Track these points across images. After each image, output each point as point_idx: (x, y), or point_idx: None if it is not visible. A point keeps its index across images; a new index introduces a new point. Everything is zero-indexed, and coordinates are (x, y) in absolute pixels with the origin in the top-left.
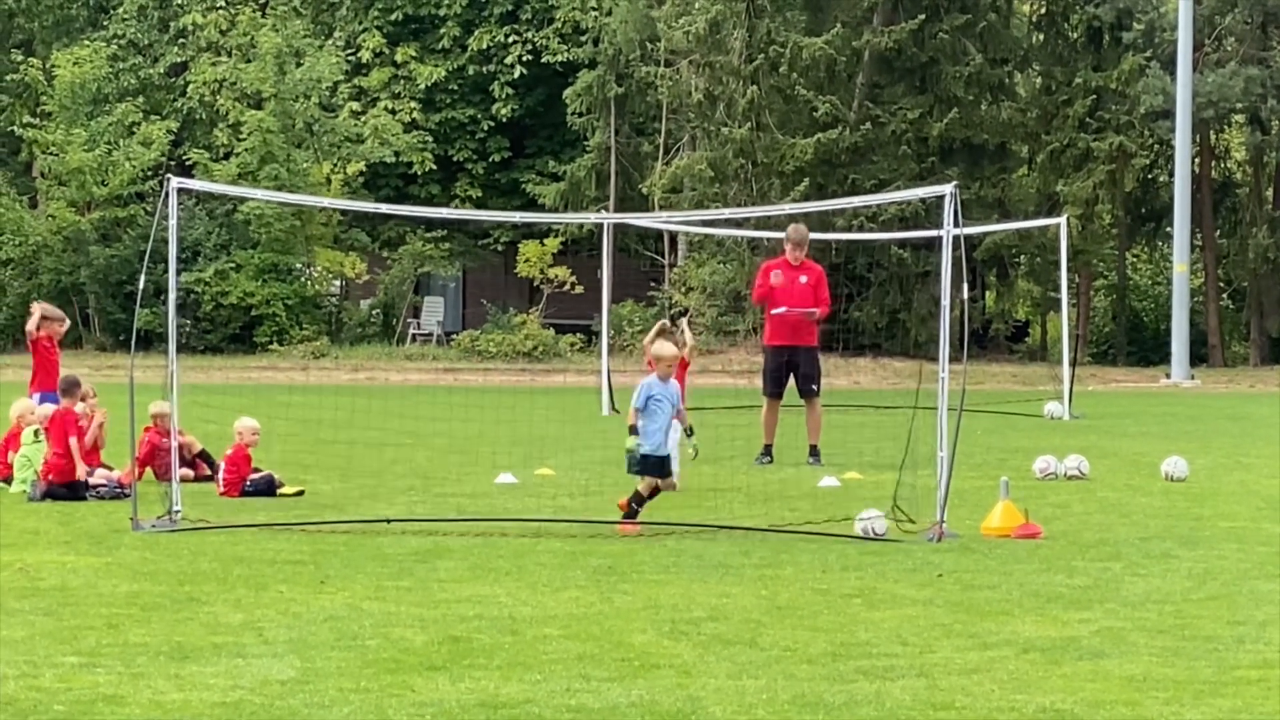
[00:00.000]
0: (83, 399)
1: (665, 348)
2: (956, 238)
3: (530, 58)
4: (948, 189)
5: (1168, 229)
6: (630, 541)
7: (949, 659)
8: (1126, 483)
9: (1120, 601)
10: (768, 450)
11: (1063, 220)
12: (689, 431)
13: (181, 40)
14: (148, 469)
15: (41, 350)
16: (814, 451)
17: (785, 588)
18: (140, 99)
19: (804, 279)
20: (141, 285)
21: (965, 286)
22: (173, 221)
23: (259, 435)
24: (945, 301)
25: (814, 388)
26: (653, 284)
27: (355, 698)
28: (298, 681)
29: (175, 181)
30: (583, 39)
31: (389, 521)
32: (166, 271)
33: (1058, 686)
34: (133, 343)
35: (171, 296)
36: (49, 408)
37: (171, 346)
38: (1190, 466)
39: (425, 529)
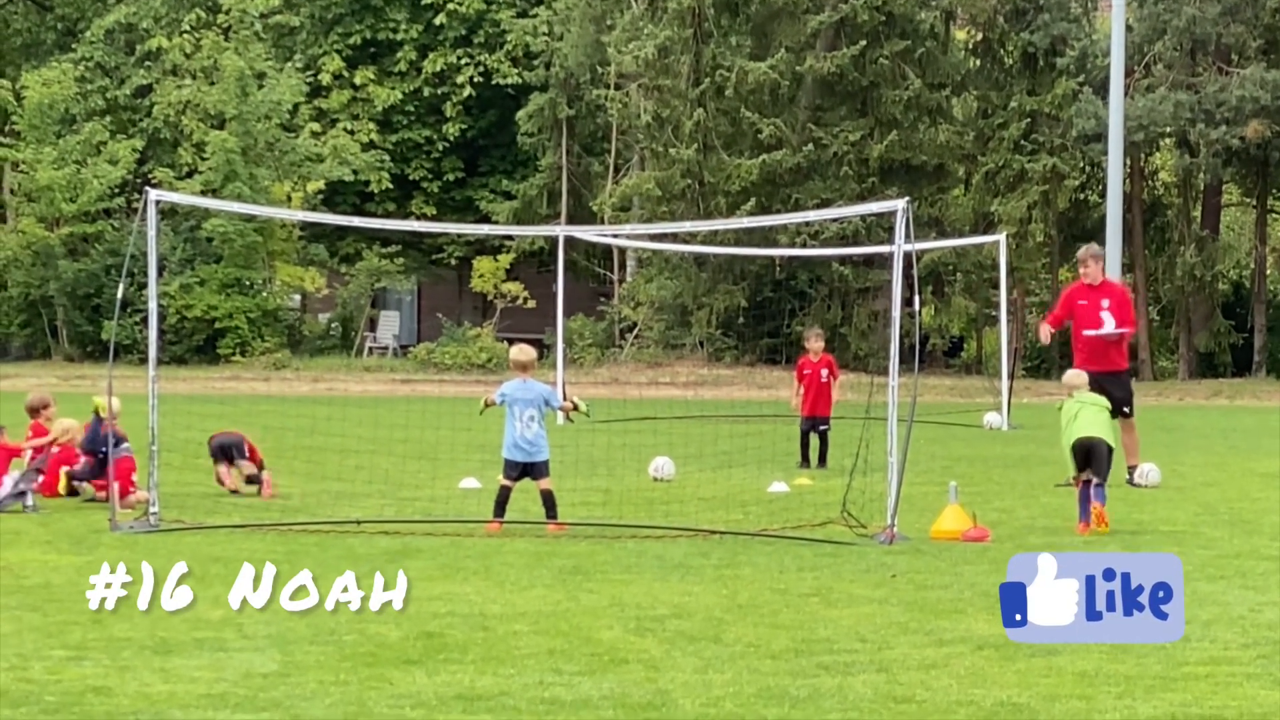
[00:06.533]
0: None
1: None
2: (907, 252)
3: (481, 79)
4: (900, 204)
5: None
6: (593, 542)
7: (906, 655)
8: (1068, 489)
9: None
10: (1131, 470)
11: (1001, 238)
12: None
13: (147, 63)
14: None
15: None
16: (1132, 471)
17: (745, 587)
18: (107, 119)
19: (1105, 302)
20: (121, 294)
21: (916, 300)
22: (152, 232)
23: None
24: (895, 314)
25: (1126, 410)
26: (602, 299)
27: (336, 690)
28: (279, 674)
29: (154, 194)
30: (534, 63)
31: (359, 523)
32: (133, 285)
33: (1013, 681)
34: (111, 354)
35: (152, 305)
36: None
37: (152, 352)
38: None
39: (394, 530)
